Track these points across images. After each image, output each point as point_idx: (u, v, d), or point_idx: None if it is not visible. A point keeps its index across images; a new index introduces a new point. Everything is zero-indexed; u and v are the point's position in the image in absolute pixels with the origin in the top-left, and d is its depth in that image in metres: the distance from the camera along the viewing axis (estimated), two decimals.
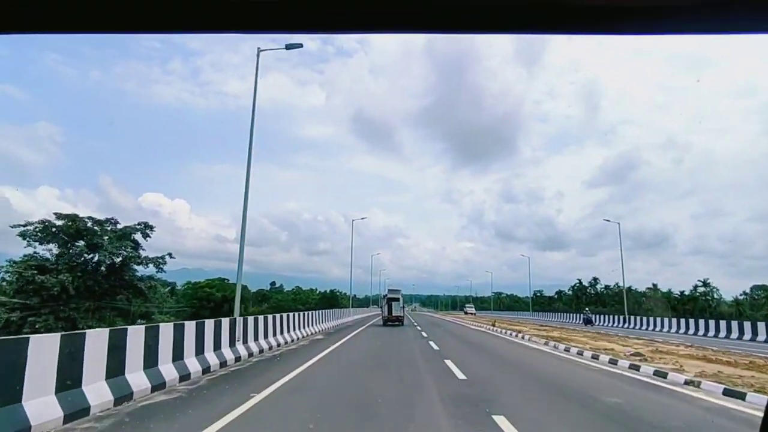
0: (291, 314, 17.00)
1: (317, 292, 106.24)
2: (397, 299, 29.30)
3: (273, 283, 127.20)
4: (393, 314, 28.30)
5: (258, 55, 13.57)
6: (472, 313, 72.86)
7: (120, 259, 39.31)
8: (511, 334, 19.18)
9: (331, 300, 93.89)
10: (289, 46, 14.05)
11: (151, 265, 43.15)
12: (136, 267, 42.41)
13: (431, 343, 15.16)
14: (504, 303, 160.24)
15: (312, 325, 20.09)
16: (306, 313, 19.52)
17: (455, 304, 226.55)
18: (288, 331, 15.65)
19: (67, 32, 0.53)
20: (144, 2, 0.51)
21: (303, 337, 17.04)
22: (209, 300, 46.39)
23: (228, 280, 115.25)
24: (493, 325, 24.15)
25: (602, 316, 42.33)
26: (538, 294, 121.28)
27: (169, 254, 44.95)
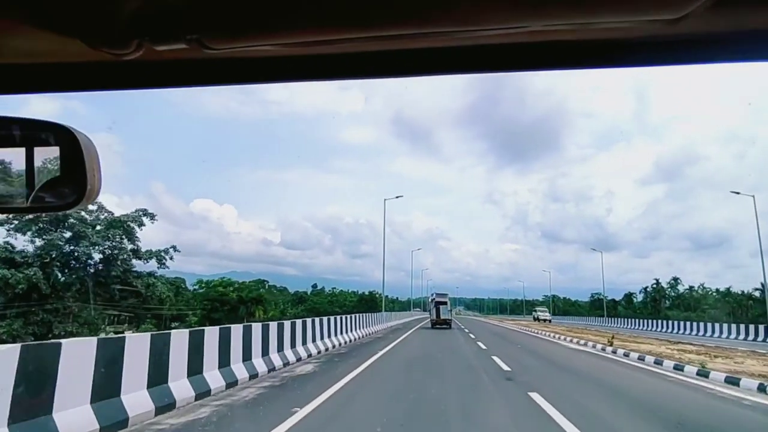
0: (276, 325, 9.50)
1: (355, 293, 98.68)
2: (445, 303, 29.95)
3: (314, 286, 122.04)
4: (441, 317, 29.18)
5: None
6: (546, 320, 53.26)
7: (110, 252, 33.11)
8: (691, 373, 9.54)
9: (369, 302, 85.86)
10: None
11: (153, 260, 36.99)
12: (133, 262, 36.35)
13: (542, 403, 6.39)
14: (559, 307, 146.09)
15: (317, 340, 12.04)
16: (305, 321, 11.49)
17: (503, 307, 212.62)
18: (250, 359, 7.61)
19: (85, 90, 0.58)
20: (144, 64, 0.55)
21: (284, 366, 8.89)
22: (222, 302, 39.50)
23: (266, 282, 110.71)
24: (611, 344, 14.78)
25: (719, 326, 31.36)
26: (598, 296, 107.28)
27: (173, 247, 38.56)
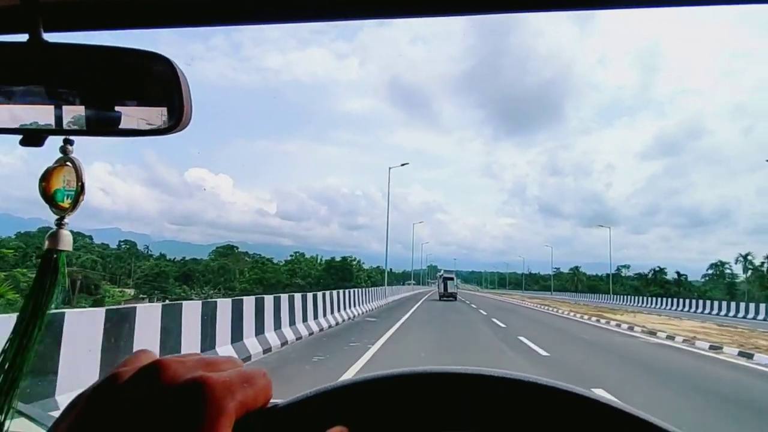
0: None
1: (321, 260, 74.16)
2: (452, 278, 36.42)
3: (297, 252, 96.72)
4: (448, 291, 34.43)
5: None
6: None
7: None
8: None
9: (341, 271, 61.81)
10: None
11: None
12: None
13: None
14: (583, 282, 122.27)
15: None
16: None
17: (504, 281, 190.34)
18: None
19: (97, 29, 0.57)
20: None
21: None
22: None
23: (236, 248, 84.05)
24: None
25: None
26: (659, 270, 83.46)
27: None
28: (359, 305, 16.97)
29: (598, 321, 16.31)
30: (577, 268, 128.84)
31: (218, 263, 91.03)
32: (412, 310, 20.29)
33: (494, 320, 15.36)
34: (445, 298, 33.26)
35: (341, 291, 14.87)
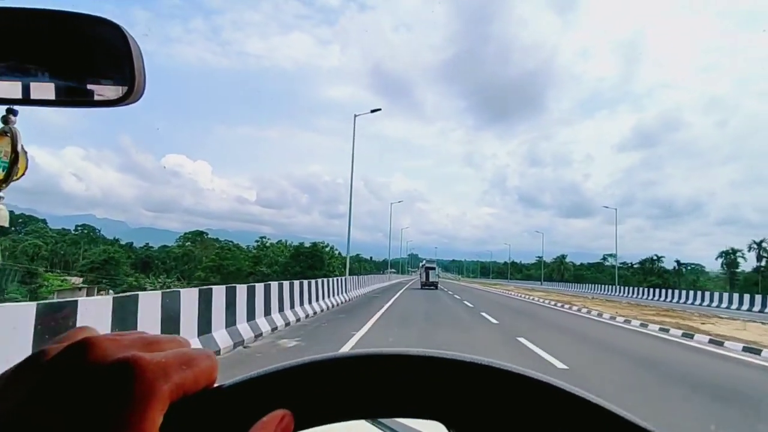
0: None
1: (289, 245, 66.55)
2: (433, 268, 37.81)
3: (263, 238, 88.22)
4: (429, 280, 36.55)
5: None
6: None
7: None
8: None
9: (310, 259, 54.59)
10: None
11: None
12: None
13: None
14: (570, 271, 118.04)
15: None
16: None
17: (486, 270, 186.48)
18: None
19: None
20: None
21: None
22: None
23: (206, 234, 75.95)
24: None
25: None
26: (652, 259, 78.70)
27: None
28: (297, 307, 10.21)
29: (707, 344, 9.62)
30: (563, 257, 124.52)
31: (183, 249, 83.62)
32: (382, 311, 13.57)
33: (521, 340, 8.64)
34: (426, 287, 35.45)
35: (266, 285, 8.44)
